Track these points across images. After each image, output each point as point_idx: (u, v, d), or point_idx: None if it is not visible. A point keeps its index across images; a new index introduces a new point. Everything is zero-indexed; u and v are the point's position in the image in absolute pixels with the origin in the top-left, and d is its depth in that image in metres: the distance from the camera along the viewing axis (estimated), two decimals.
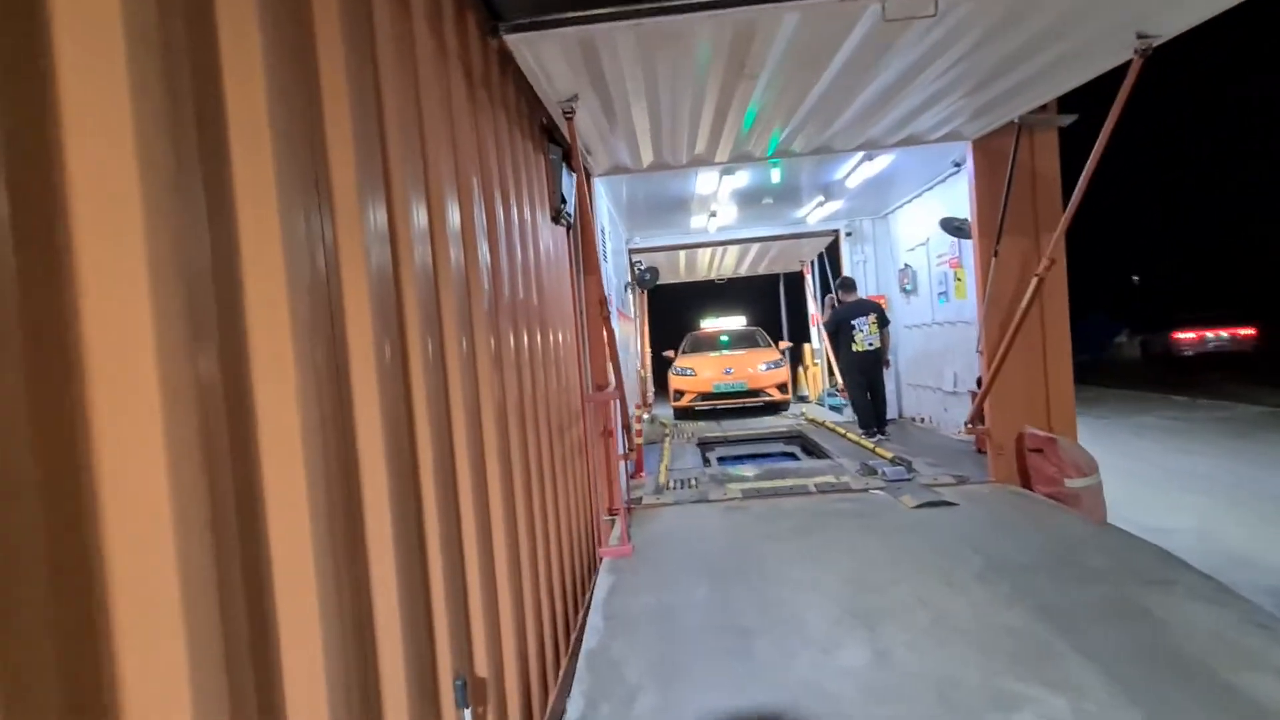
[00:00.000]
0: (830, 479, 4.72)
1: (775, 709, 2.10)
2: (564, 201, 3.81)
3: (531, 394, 2.83)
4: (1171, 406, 10.95)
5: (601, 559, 3.52)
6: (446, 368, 1.90)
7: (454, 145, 2.15)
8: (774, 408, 8.96)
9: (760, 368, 8.93)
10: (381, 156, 1.57)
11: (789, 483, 4.71)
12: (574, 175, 3.99)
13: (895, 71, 3.21)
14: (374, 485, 1.35)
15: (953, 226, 4.97)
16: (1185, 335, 17.50)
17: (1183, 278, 23.59)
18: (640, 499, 4.60)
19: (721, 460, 6.52)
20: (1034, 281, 3.73)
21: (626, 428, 4.41)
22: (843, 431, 6.73)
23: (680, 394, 9.03)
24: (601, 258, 4.89)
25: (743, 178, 5.42)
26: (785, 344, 10.31)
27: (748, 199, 6.31)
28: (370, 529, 1.33)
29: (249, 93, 1.05)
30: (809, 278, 10.20)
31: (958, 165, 5.13)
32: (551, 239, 3.67)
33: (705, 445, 7.01)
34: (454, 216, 2.04)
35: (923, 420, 7.18)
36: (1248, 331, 17.13)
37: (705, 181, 5.44)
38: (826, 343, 9.36)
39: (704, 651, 2.47)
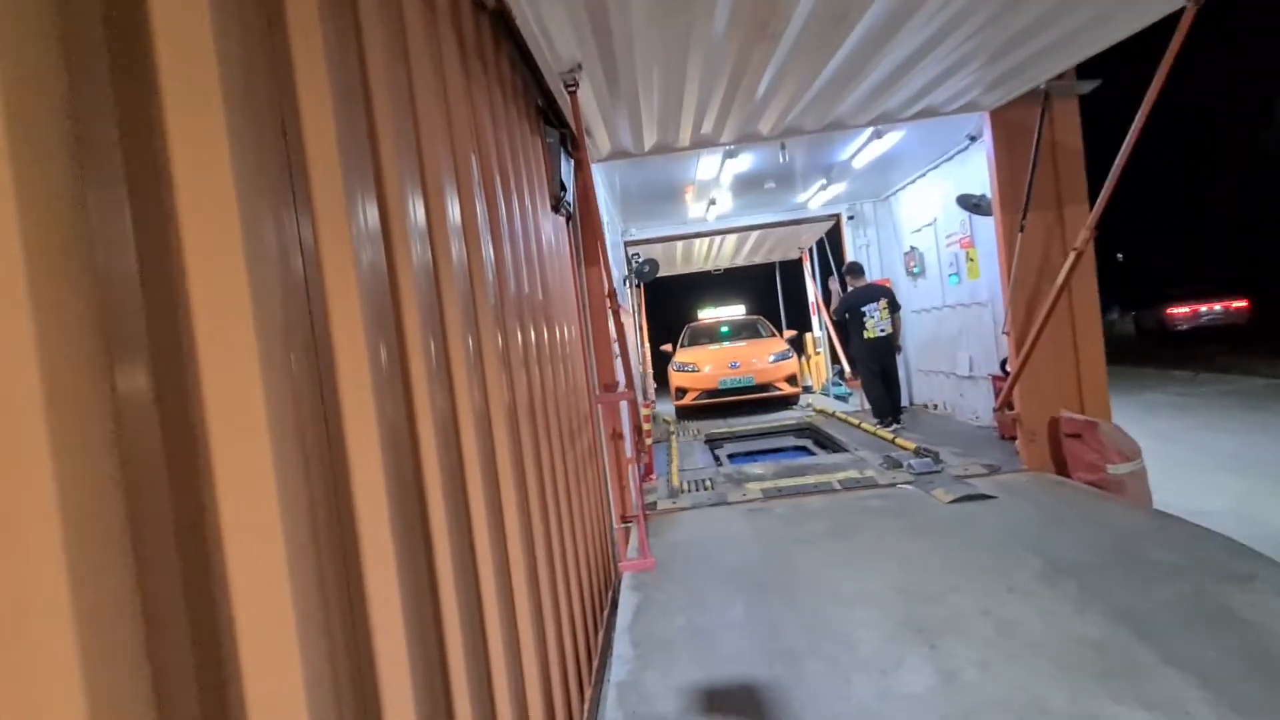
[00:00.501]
0: (854, 474, 4.48)
1: None
2: (564, 189, 3.52)
3: (541, 398, 2.56)
4: (1174, 382, 10.84)
5: (621, 574, 3.26)
6: (451, 373, 1.62)
7: (449, 124, 1.87)
8: (784, 402, 8.48)
9: (768, 360, 8.34)
10: (369, 137, 1.29)
11: (811, 480, 4.46)
12: (574, 160, 3.71)
13: (920, 35, 2.95)
14: (373, 518, 1.06)
15: (970, 203, 4.73)
16: (1179, 310, 17.45)
17: (1172, 252, 23.63)
18: (655, 504, 4.34)
19: (733, 458, 6.27)
20: (1071, 256, 3.50)
21: (637, 429, 4.14)
22: (855, 422, 6.50)
23: (682, 392, 8.47)
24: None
25: (745, 160, 5.14)
26: (790, 333, 9.87)
27: (749, 184, 6.04)
28: (369, 568, 1.05)
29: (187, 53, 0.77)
30: (808, 264, 9.93)
31: (972, 139, 4.89)
32: (552, 229, 3.39)
33: (714, 442, 6.76)
34: (453, 206, 1.76)
35: (936, 407, 6.97)
36: (1240, 304, 17.10)
37: (707, 166, 5.17)
38: (831, 330, 9.11)
39: (749, 680, 2.21)
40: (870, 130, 4.80)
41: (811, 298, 10.05)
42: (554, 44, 2.65)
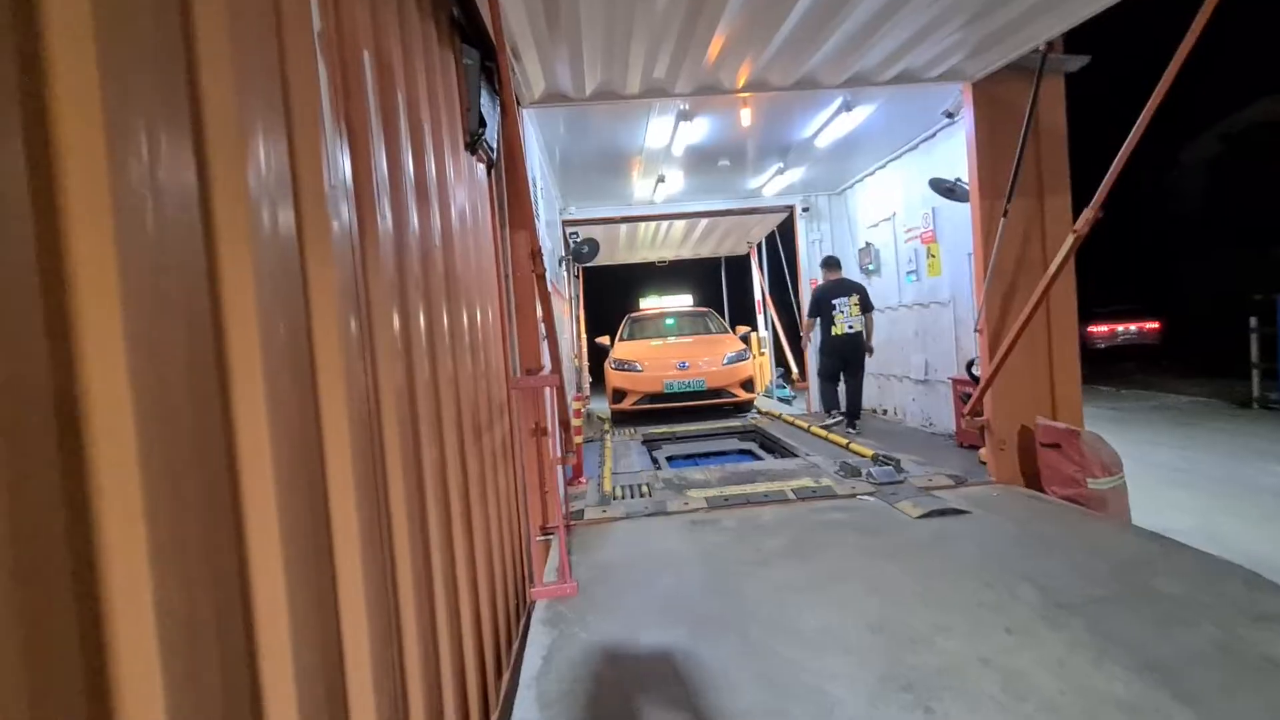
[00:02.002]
0: (808, 482, 3.98)
1: None
2: (482, 125, 2.85)
3: (444, 385, 1.93)
4: (1101, 397, 11.05)
5: (534, 600, 2.61)
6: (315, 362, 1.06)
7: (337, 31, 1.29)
8: (737, 409, 7.40)
9: (722, 361, 7.18)
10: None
11: (761, 488, 3.94)
12: (498, 95, 3.05)
13: None
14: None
15: (944, 188, 4.34)
16: (1098, 328, 18.17)
17: (1097, 272, 24.81)
18: (582, 512, 3.71)
19: (672, 461, 5.71)
20: (1069, 240, 3.09)
21: (565, 424, 3.50)
22: (804, 425, 6.06)
23: (621, 394, 7.22)
24: (535, 209, 3.96)
25: (701, 126, 4.59)
26: (742, 329, 8.88)
27: (703, 160, 5.50)
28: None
29: None
30: (755, 260, 9.51)
31: (950, 116, 4.51)
32: (468, 177, 2.72)
33: (652, 443, 6.18)
34: (337, 151, 1.20)
35: (886, 412, 6.63)
36: (1153, 325, 17.99)
37: (658, 131, 4.58)
38: (779, 328, 8.71)
39: None
40: (839, 102, 4.34)
41: (758, 295, 9.65)
42: None
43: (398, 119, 1.76)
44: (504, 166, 3.36)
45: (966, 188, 4.24)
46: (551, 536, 3.37)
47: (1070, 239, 3.06)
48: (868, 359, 5.83)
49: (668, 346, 7.94)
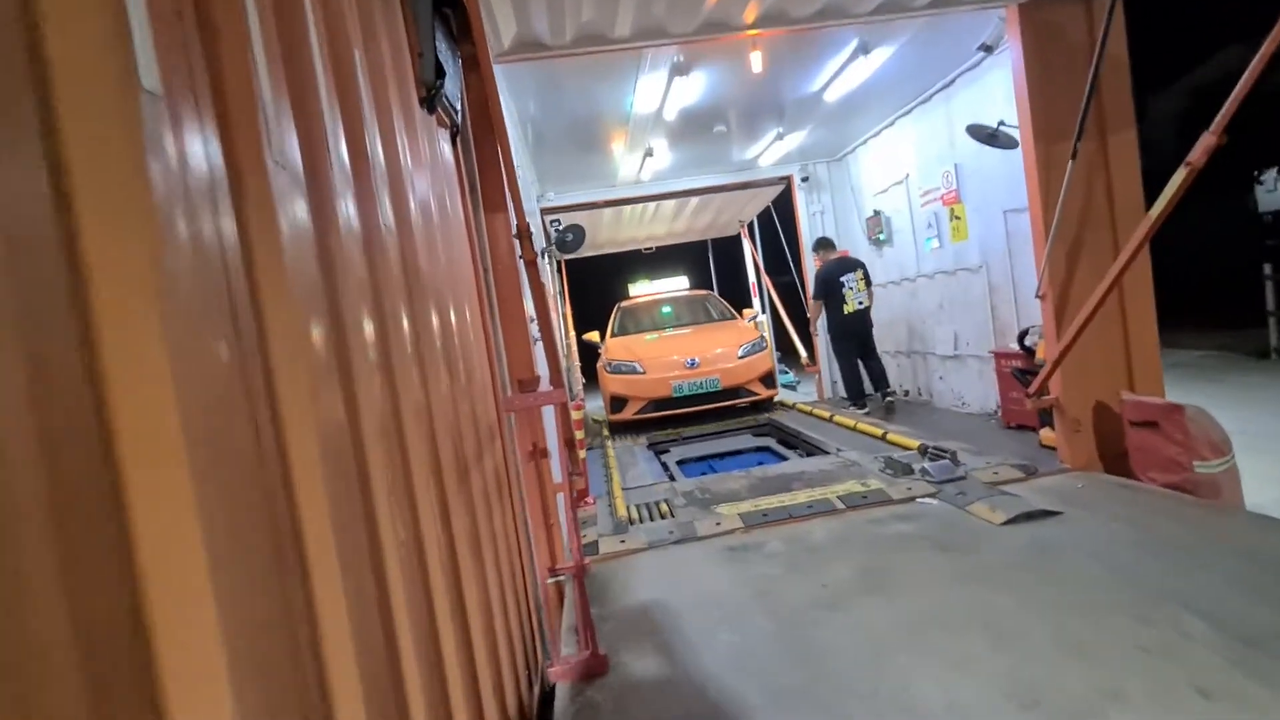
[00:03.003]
0: (855, 486, 3.43)
1: None
2: (440, 76, 2.23)
3: (414, 413, 1.33)
4: None
5: (552, 684, 2.03)
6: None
7: None
8: (755, 409, 6.41)
9: (736, 355, 6.13)
10: None
11: (802, 497, 3.38)
12: (457, 45, 2.44)
13: None
14: None
15: (984, 134, 3.78)
16: None
17: None
18: (596, 545, 3.12)
19: (684, 466, 5.14)
20: (1179, 175, 2.53)
21: (568, 442, 2.91)
22: (825, 414, 5.51)
23: (621, 402, 6.13)
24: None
25: (698, 83, 3.98)
26: (749, 312, 7.82)
27: (696, 128, 4.90)
28: None
29: None
30: (747, 240, 8.93)
31: (988, 49, 3.94)
32: (426, 146, 2.10)
33: (658, 447, 5.59)
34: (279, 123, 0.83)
35: (908, 394, 6.12)
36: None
37: (648, 92, 3.96)
38: (781, 311, 8.13)
39: None
40: (854, 45, 3.76)
41: (752, 276, 9.08)
42: None
43: (314, 68, 1.14)
44: (474, 134, 2.74)
45: (1011, 133, 3.70)
46: (562, 578, 2.79)
47: (1181, 173, 2.51)
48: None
49: (669, 340, 6.88)
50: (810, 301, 6.11)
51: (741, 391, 6.08)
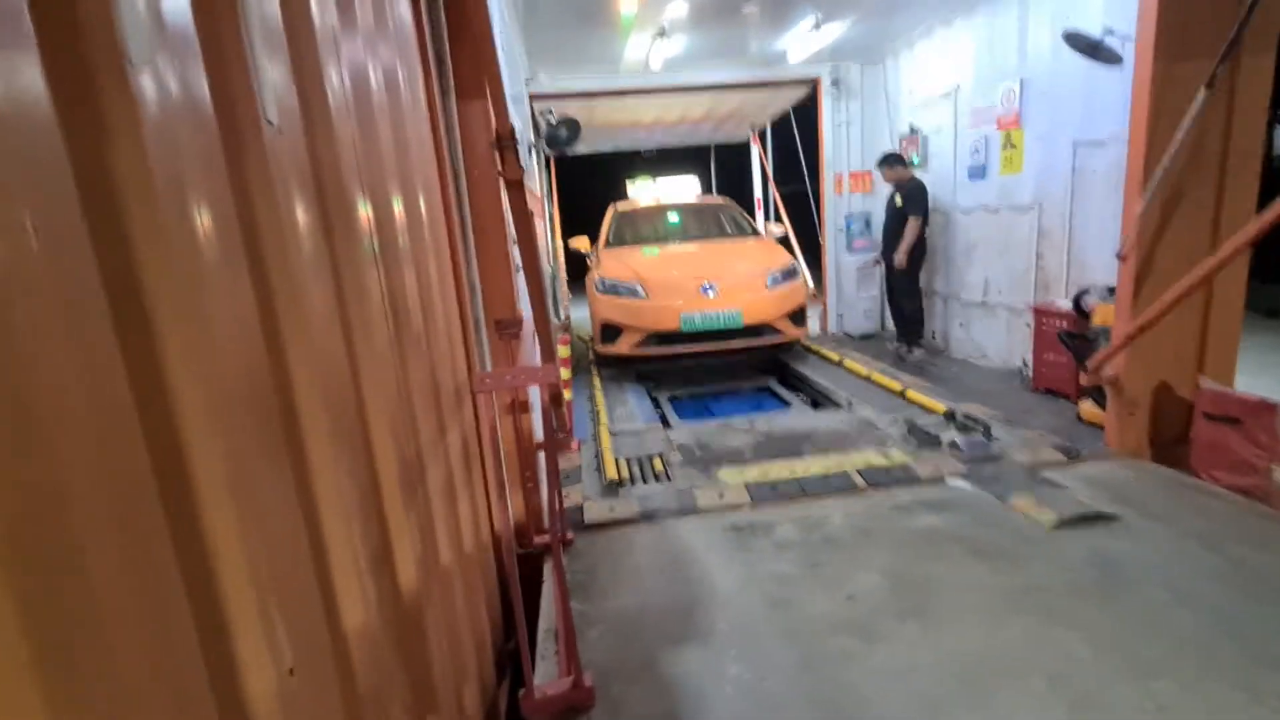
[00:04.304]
0: (876, 459, 3.03)
1: None
2: None
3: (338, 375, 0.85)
4: None
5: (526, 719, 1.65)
6: None
7: None
8: (776, 349, 5.27)
9: (765, 283, 4.86)
10: None
11: (816, 468, 2.98)
12: None
13: None
14: None
15: (1085, 44, 3.08)
16: None
17: None
18: (581, 511, 2.71)
19: (676, 402, 4.71)
20: None
21: (556, 398, 2.42)
22: (835, 357, 5.02)
23: (614, 331, 4.86)
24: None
25: None
26: (776, 228, 6.37)
27: (720, 7, 4.07)
28: None
29: None
30: (757, 149, 8.09)
31: None
32: (372, 12, 1.45)
33: (649, 381, 5.13)
34: None
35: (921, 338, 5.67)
36: None
37: None
38: (790, 233, 7.37)
39: None
40: None
41: (758, 190, 8.33)
42: None
43: None
44: (446, 4, 2.02)
45: (1115, 47, 3.02)
46: (541, 551, 2.39)
47: None
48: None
49: (678, 257, 5.55)
50: (911, 221, 4.91)
51: (766, 330, 4.85)
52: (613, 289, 4.95)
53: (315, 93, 1.04)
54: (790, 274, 5.04)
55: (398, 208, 1.46)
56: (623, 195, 7.38)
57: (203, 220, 0.66)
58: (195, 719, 0.56)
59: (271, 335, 0.80)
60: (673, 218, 6.35)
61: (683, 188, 7.31)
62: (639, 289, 4.84)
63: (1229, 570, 2.02)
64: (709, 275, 4.84)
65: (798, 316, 5.01)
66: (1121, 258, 2.82)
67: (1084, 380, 2.97)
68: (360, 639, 0.92)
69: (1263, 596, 1.88)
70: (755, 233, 6.12)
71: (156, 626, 0.51)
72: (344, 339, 1.05)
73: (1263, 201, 2.50)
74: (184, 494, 0.57)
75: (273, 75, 0.88)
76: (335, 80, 1.14)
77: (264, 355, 0.78)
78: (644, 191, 7.37)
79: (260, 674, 0.64)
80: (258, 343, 0.77)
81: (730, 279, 4.86)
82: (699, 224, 6.26)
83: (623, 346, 4.83)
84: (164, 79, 0.62)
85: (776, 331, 4.88)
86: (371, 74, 1.40)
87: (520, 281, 2.51)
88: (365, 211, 1.22)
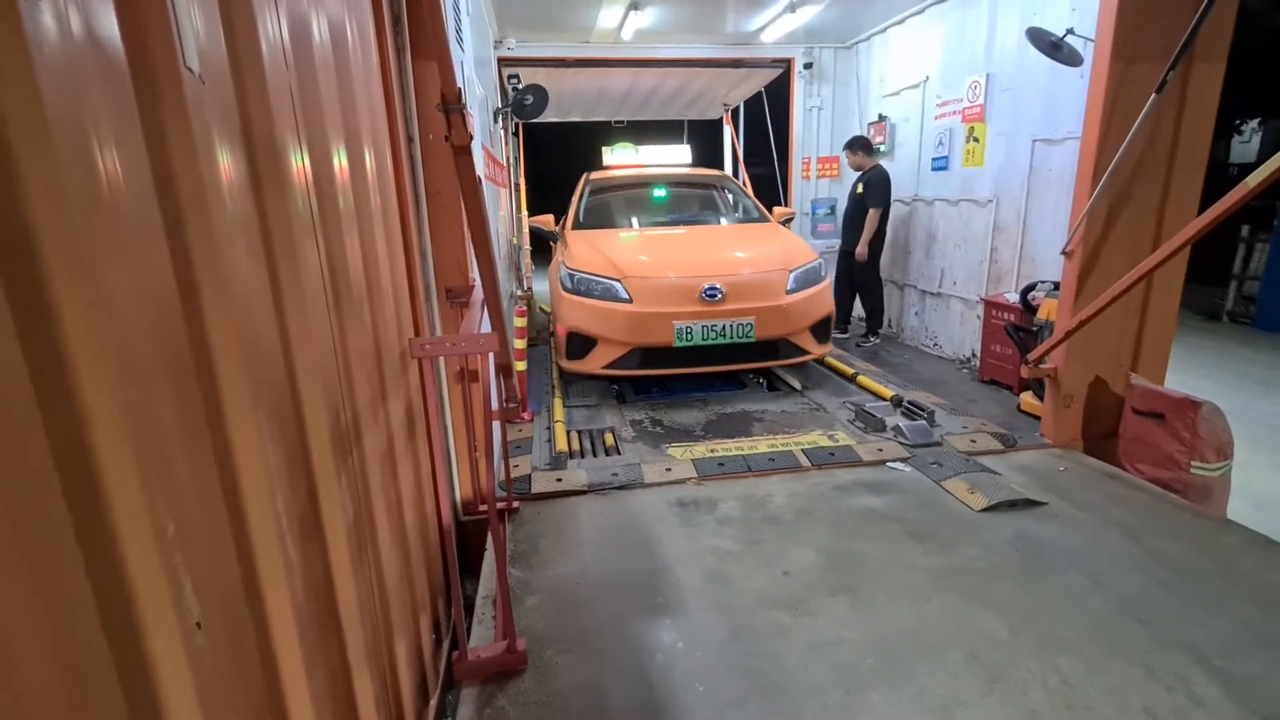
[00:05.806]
0: (821, 440, 3.11)
1: None
2: None
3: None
4: None
5: (459, 682, 1.67)
6: None
7: None
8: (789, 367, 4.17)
9: (785, 286, 3.75)
10: None
11: (763, 447, 3.04)
12: None
13: None
14: None
15: (1046, 42, 3.14)
16: None
17: None
18: (529, 480, 2.73)
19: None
20: None
21: (505, 368, 2.40)
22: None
23: (585, 343, 3.68)
24: (453, 36, 2.57)
25: None
26: (784, 211, 4.92)
27: None
28: None
29: None
30: (729, 128, 8.05)
31: None
32: None
33: None
34: None
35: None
36: None
37: None
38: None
39: None
40: None
41: (728, 167, 8.30)
42: None
43: None
44: None
45: (1076, 46, 3.08)
46: (482, 519, 2.40)
47: None
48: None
49: (669, 246, 4.30)
50: (871, 212, 4.74)
51: (783, 347, 3.77)
52: (584, 287, 3.73)
53: (247, 41, 0.99)
54: (815, 274, 3.93)
55: (340, 168, 1.42)
56: (599, 166, 5.97)
57: (108, 175, 0.63)
58: (93, 676, 0.55)
59: (190, 297, 0.77)
60: (660, 191, 5.18)
61: (672, 157, 6.10)
62: (619, 289, 3.63)
63: (1145, 559, 2.14)
64: (711, 271, 3.69)
65: (821, 329, 3.88)
66: (1067, 254, 2.92)
67: (1024, 372, 3.08)
68: (280, 598, 0.92)
69: (1173, 585, 2.00)
70: (761, 217, 4.81)
71: (42, 581, 0.50)
72: (273, 302, 1.02)
73: (1207, 206, 2.62)
74: (80, 453, 0.55)
75: (195, 20, 0.84)
76: (271, 29, 1.09)
77: (180, 319, 0.76)
78: (626, 159, 6.09)
79: (163, 631, 0.63)
80: (173, 306, 0.74)
81: (741, 279, 3.70)
82: (694, 203, 5.12)
83: (595, 364, 3.66)
84: (65, 17, 0.59)
85: (798, 350, 3.79)
86: (315, 26, 1.35)
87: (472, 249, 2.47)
88: (302, 170, 1.18)
